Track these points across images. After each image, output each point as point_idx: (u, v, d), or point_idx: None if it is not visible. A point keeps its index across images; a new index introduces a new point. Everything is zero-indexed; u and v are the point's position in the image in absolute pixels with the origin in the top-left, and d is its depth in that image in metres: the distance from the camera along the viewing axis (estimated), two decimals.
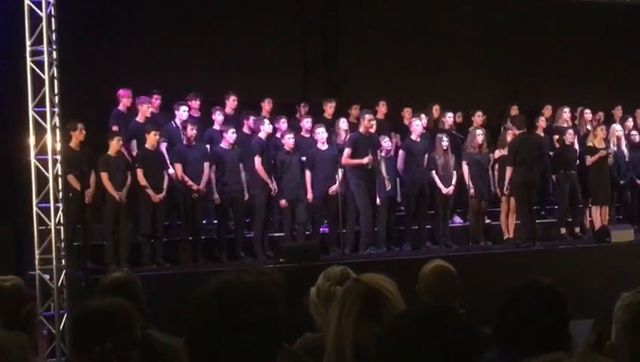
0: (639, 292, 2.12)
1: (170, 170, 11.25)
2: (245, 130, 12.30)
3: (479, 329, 3.69)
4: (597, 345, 2.96)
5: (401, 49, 15.29)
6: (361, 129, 12.00)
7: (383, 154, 12.27)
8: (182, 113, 11.91)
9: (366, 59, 14.98)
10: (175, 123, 11.99)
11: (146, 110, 11.66)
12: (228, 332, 1.71)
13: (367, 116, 12.04)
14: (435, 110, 14.17)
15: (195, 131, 11.36)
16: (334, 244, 11.87)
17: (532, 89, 16.83)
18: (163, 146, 11.55)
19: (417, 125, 12.59)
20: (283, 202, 11.75)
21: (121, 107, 11.92)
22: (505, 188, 12.42)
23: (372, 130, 12.13)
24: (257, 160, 11.62)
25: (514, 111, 14.52)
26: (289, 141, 11.74)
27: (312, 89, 14.99)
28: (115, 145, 10.84)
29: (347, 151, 11.78)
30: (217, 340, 1.71)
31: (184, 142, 11.40)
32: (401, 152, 12.60)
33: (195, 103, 12.43)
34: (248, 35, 13.99)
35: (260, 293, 1.78)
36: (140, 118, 11.67)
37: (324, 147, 11.88)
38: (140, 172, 10.86)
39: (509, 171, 12.26)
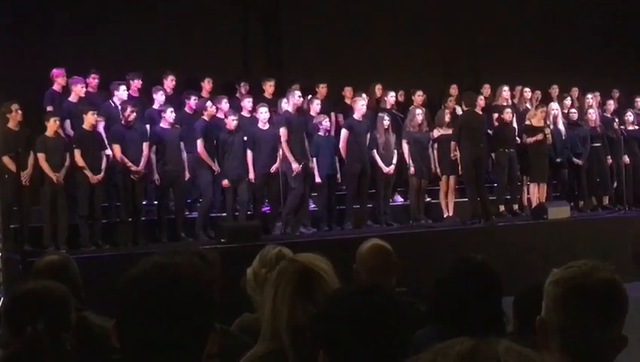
0: (569, 268, 2.16)
1: (108, 151, 11.10)
2: (187, 110, 12.20)
3: (415, 306, 3.73)
4: (518, 329, 2.99)
5: (342, 28, 15.28)
6: (292, 108, 12.02)
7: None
8: (122, 93, 11.76)
9: (307, 38, 14.94)
10: (113, 102, 11.82)
11: (79, 90, 11.50)
12: (157, 314, 1.69)
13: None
14: (378, 89, 14.21)
15: (135, 113, 11.19)
16: (276, 223, 11.87)
17: (471, 68, 16.98)
18: (101, 126, 11.39)
19: (362, 105, 12.58)
20: (225, 182, 11.69)
21: (55, 87, 11.73)
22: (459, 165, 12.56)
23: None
24: (200, 143, 11.54)
25: (453, 90, 14.66)
26: (232, 123, 11.68)
27: (253, 68, 14.91)
28: (52, 125, 10.67)
29: (283, 130, 11.75)
30: (146, 322, 1.70)
31: (122, 122, 11.23)
32: (344, 131, 12.56)
33: (137, 83, 12.31)
34: (188, 13, 13.84)
35: (191, 274, 1.76)
36: (73, 98, 11.50)
37: (266, 127, 11.84)
38: (77, 153, 10.70)
39: (455, 146, 12.42)
